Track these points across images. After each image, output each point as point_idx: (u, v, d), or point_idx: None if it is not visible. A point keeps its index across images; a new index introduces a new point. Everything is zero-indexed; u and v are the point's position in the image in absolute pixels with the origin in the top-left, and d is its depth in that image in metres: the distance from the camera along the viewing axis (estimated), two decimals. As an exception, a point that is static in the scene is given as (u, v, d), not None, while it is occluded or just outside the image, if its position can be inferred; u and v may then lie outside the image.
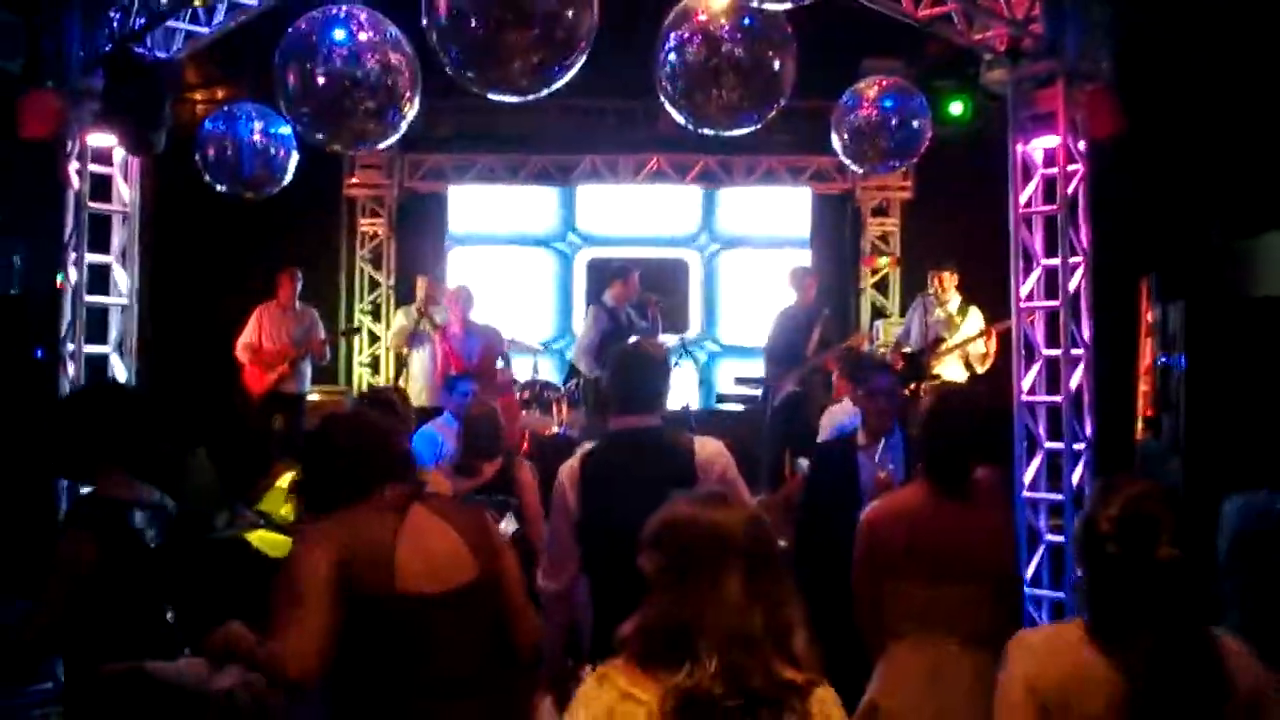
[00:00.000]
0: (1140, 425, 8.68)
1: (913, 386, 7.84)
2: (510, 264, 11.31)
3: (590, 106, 10.39)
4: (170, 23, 5.58)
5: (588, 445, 3.73)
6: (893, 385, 5.16)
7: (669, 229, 11.41)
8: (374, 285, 11.07)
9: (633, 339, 6.80)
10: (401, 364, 9.60)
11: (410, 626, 2.63)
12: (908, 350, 8.34)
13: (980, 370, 7.93)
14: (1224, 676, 2.02)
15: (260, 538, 6.23)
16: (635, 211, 11.42)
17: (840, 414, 6.22)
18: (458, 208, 11.30)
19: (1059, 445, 5.51)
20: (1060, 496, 5.48)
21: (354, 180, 10.92)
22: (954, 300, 8.31)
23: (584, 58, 4.23)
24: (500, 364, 8.37)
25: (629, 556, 2.15)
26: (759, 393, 9.18)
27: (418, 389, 8.54)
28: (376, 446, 2.85)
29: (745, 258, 11.43)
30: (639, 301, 8.66)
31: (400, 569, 2.63)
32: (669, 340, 9.24)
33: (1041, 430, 5.60)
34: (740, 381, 10.51)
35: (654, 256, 11.04)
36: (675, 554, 2.04)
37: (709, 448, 3.44)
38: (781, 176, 10.83)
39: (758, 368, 9.59)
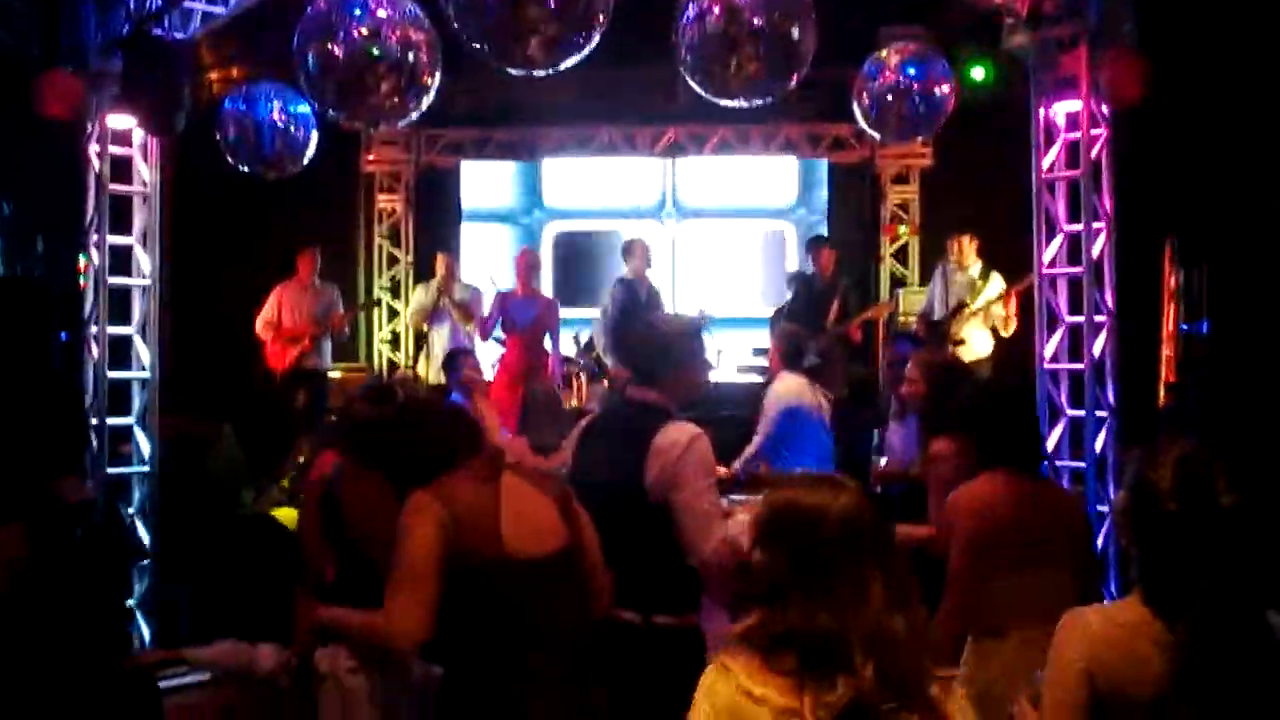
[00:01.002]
0: (1163, 391, 8.63)
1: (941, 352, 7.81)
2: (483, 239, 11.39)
3: (606, 79, 10.32)
4: (187, 3, 5.58)
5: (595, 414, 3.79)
6: (911, 354, 5.09)
7: (632, 200, 11.39)
8: (393, 261, 11.08)
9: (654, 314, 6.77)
10: (421, 341, 9.65)
11: (519, 589, 2.67)
12: (933, 319, 8.29)
13: (1005, 334, 7.88)
14: (1276, 659, 1.95)
15: (286, 514, 6.27)
16: (599, 184, 11.41)
17: (786, 393, 6.02)
18: (467, 183, 11.33)
19: (1081, 413, 5.50)
20: (1083, 464, 5.47)
21: (371, 156, 10.91)
22: (975, 266, 8.26)
23: (602, 31, 4.22)
24: (548, 341, 8.26)
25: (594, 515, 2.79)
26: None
27: (437, 367, 8.57)
28: (458, 418, 2.96)
29: (710, 228, 11.40)
30: None
31: (506, 534, 2.69)
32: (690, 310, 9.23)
33: (1064, 397, 5.59)
34: (759, 353, 10.49)
35: (619, 228, 11.00)
36: (808, 552, 1.88)
37: (668, 435, 3.17)
38: (800, 145, 10.76)
39: (754, 339, 9.63)
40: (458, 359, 6.80)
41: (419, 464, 2.79)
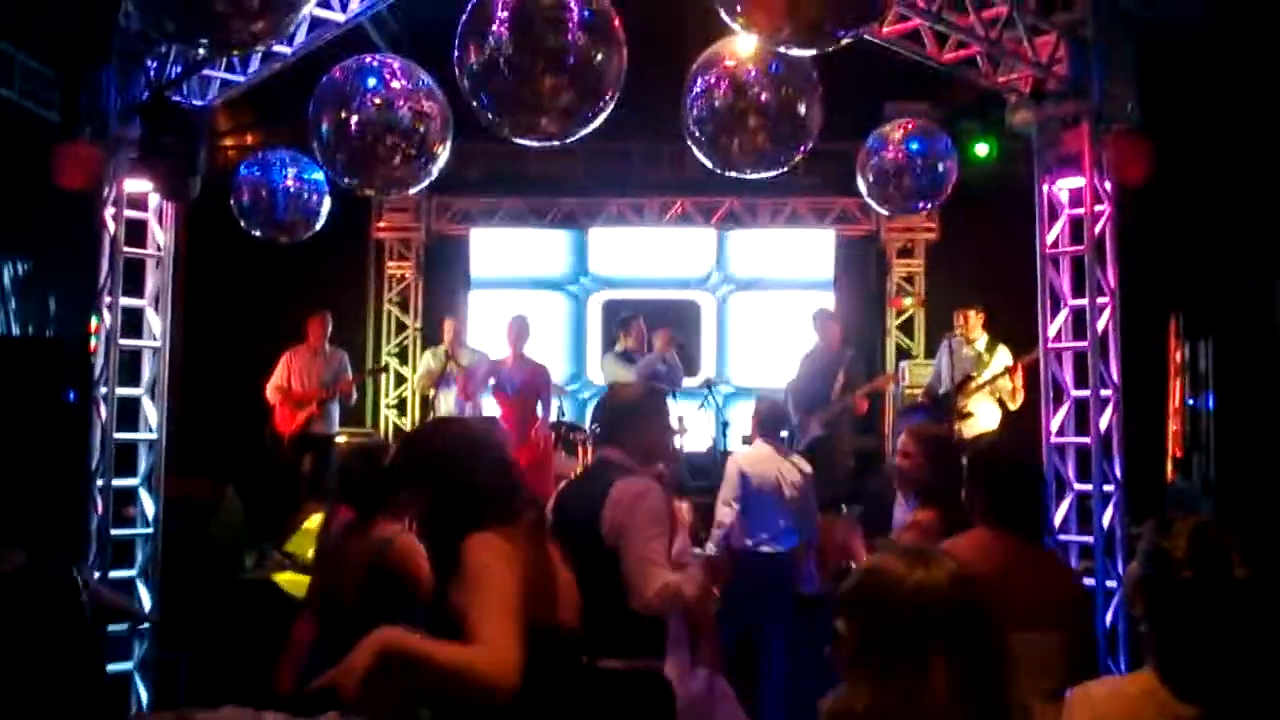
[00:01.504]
0: (1170, 466, 8.60)
1: (944, 427, 7.79)
2: (527, 307, 11.35)
3: (615, 150, 10.49)
4: (206, 71, 5.69)
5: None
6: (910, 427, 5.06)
7: (682, 270, 11.42)
8: (401, 327, 11.15)
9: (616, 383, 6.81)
10: (428, 405, 9.66)
11: (564, 659, 2.55)
12: (939, 393, 8.30)
13: (1013, 407, 7.87)
14: None
15: (287, 579, 6.25)
16: (648, 253, 11.44)
17: (743, 459, 6.04)
18: (478, 251, 11.40)
19: (1088, 487, 5.48)
20: (1090, 539, 5.44)
21: (382, 223, 11.04)
22: (981, 339, 8.28)
23: (613, 102, 4.30)
24: (539, 408, 8.27)
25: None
26: (785, 435, 9.16)
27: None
28: (511, 464, 2.77)
29: (759, 299, 11.41)
30: (653, 346, 8.78)
31: (560, 599, 2.57)
32: (691, 382, 9.27)
33: (1071, 472, 5.58)
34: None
35: (667, 298, 11.06)
36: (875, 625, 1.81)
37: (624, 490, 3.38)
38: (806, 218, 10.87)
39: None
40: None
41: (468, 512, 2.55)
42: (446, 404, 9.01)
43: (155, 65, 5.62)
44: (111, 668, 5.48)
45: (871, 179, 6.08)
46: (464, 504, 2.55)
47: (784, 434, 6.35)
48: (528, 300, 11.21)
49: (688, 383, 9.34)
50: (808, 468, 6.07)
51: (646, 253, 11.40)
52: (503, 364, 8.24)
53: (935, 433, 4.56)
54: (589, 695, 3.09)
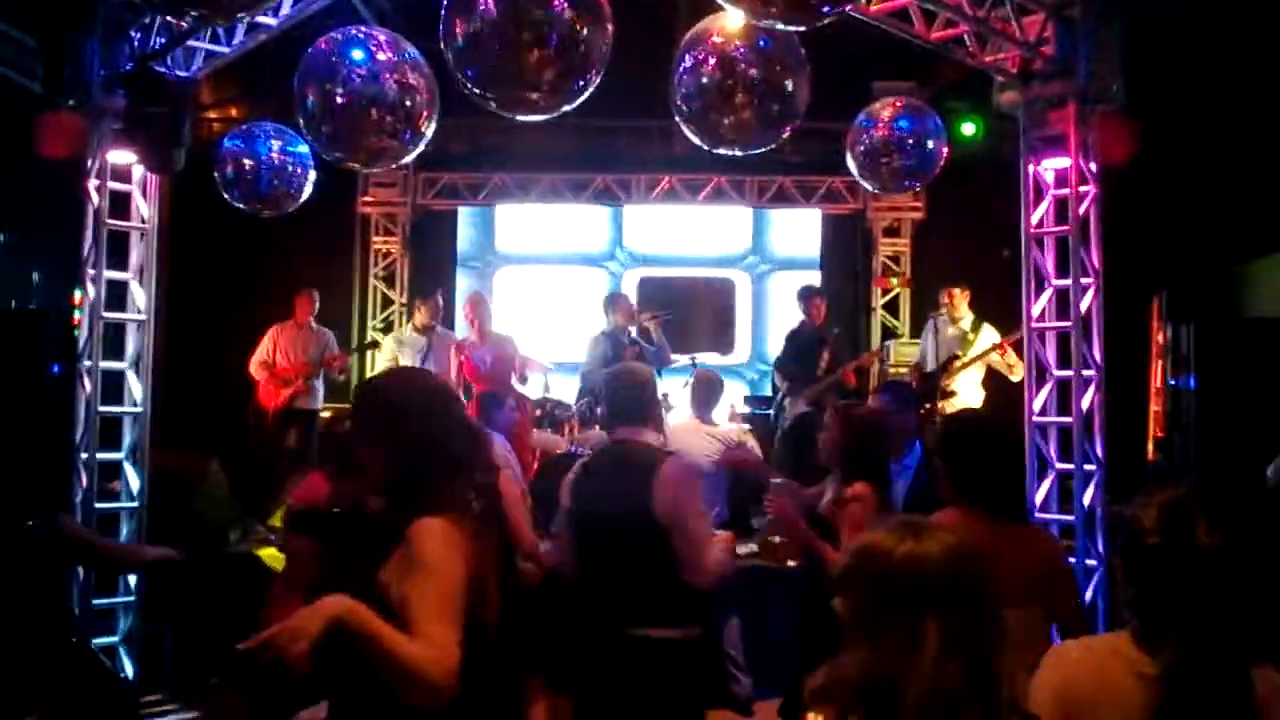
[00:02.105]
0: (1151, 446, 8.67)
1: (928, 406, 7.82)
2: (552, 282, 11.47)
3: (604, 126, 10.45)
4: (190, 42, 5.65)
5: (591, 454, 4.07)
6: (887, 404, 5.07)
7: (715, 249, 11.48)
8: (387, 302, 11.12)
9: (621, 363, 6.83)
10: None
11: (491, 663, 2.36)
12: (925, 371, 8.34)
13: (1015, 379, 7.87)
14: (1251, 701, 1.98)
15: (271, 554, 6.25)
16: (686, 232, 11.51)
17: (676, 432, 5.88)
18: (503, 227, 11.44)
19: (1070, 466, 5.53)
20: (1071, 518, 5.49)
21: (368, 198, 10.99)
22: (967, 318, 8.31)
23: (599, 77, 4.28)
24: (514, 378, 8.26)
25: (599, 554, 2.95)
26: (770, 413, 9.21)
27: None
28: (479, 434, 2.60)
29: (796, 279, 11.43)
30: (640, 325, 8.72)
31: (491, 598, 2.39)
32: (679, 359, 9.27)
33: (1053, 451, 5.62)
34: (750, 400, 10.52)
35: (703, 275, 11.18)
36: (867, 598, 1.86)
37: (673, 470, 3.61)
38: (793, 196, 10.87)
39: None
40: (504, 398, 6.39)
41: (443, 470, 2.37)
42: None
43: (139, 36, 5.58)
44: (97, 641, 5.49)
45: (861, 157, 6.07)
46: (426, 469, 2.35)
47: (721, 406, 6.34)
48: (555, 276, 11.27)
49: (677, 359, 9.33)
50: (734, 439, 6.07)
51: (684, 231, 11.47)
52: (468, 345, 8.20)
53: (855, 410, 4.64)
54: (645, 664, 3.40)
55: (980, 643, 1.81)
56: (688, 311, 10.93)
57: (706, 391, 6.29)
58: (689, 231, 11.46)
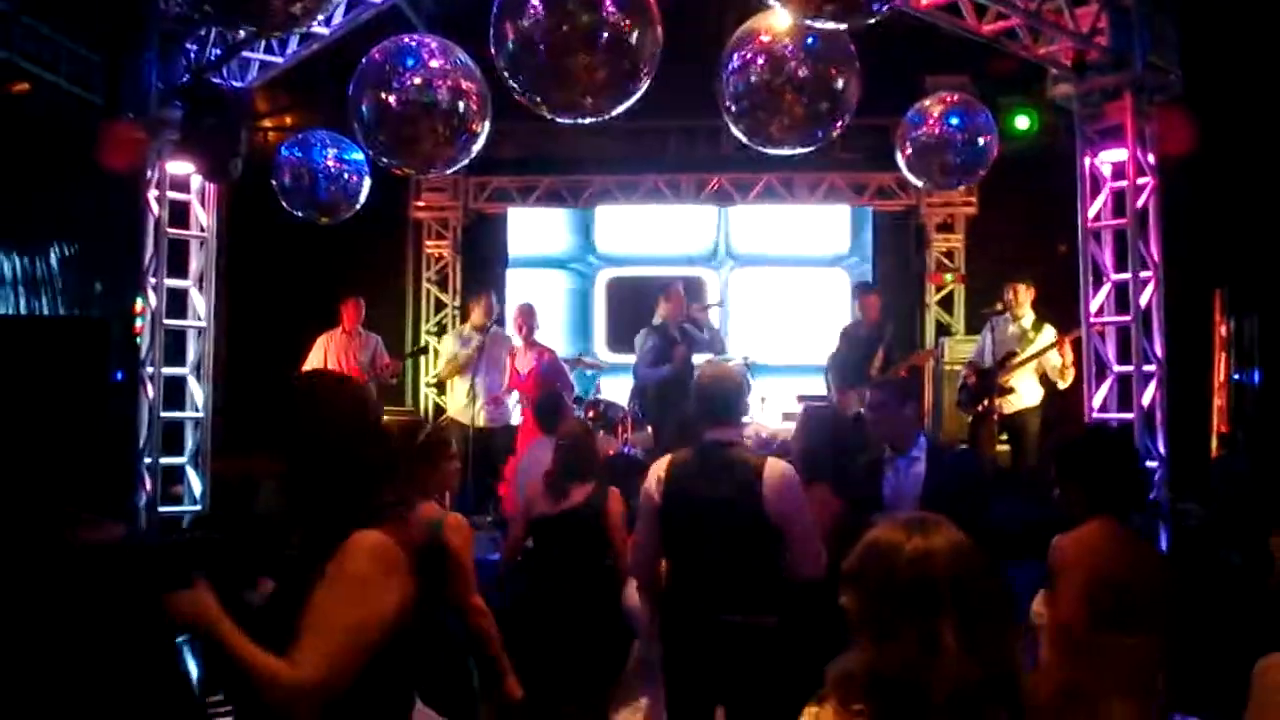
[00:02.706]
0: (1215, 441, 8.50)
1: (985, 403, 7.74)
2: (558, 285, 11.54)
3: (650, 127, 10.46)
4: (245, 53, 5.75)
5: (676, 454, 4.00)
6: (882, 400, 5.00)
7: (685, 248, 11.41)
8: (439, 306, 11.21)
9: (709, 358, 6.82)
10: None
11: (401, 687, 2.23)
12: (983, 368, 8.23)
13: (1063, 384, 7.76)
14: None
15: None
16: (652, 232, 11.43)
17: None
18: (518, 229, 11.50)
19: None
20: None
21: (420, 203, 11.09)
22: (1029, 315, 8.18)
23: (649, 79, 4.29)
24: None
25: (698, 549, 2.85)
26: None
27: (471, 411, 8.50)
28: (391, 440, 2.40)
29: (762, 276, 11.40)
30: (691, 315, 8.68)
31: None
32: (735, 356, 9.24)
33: (1114, 448, 5.53)
34: (804, 399, 10.46)
35: (672, 275, 10.90)
36: (877, 594, 1.82)
37: (776, 469, 3.70)
38: (844, 193, 10.79)
39: (799, 386, 9.60)
40: (562, 403, 6.34)
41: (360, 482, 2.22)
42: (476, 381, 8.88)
43: (195, 48, 5.69)
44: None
45: (911, 154, 6.01)
46: (346, 479, 2.21)
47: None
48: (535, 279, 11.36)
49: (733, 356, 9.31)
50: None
51: (655, 231, 11.42)
52: (515, 352, 8.28)
53: (818, 410, 4.65)
54: (752, 650, 3.56)
55: (997, 639, 1.79)
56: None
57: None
58: (657, 231, 11.40)
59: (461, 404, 8.66)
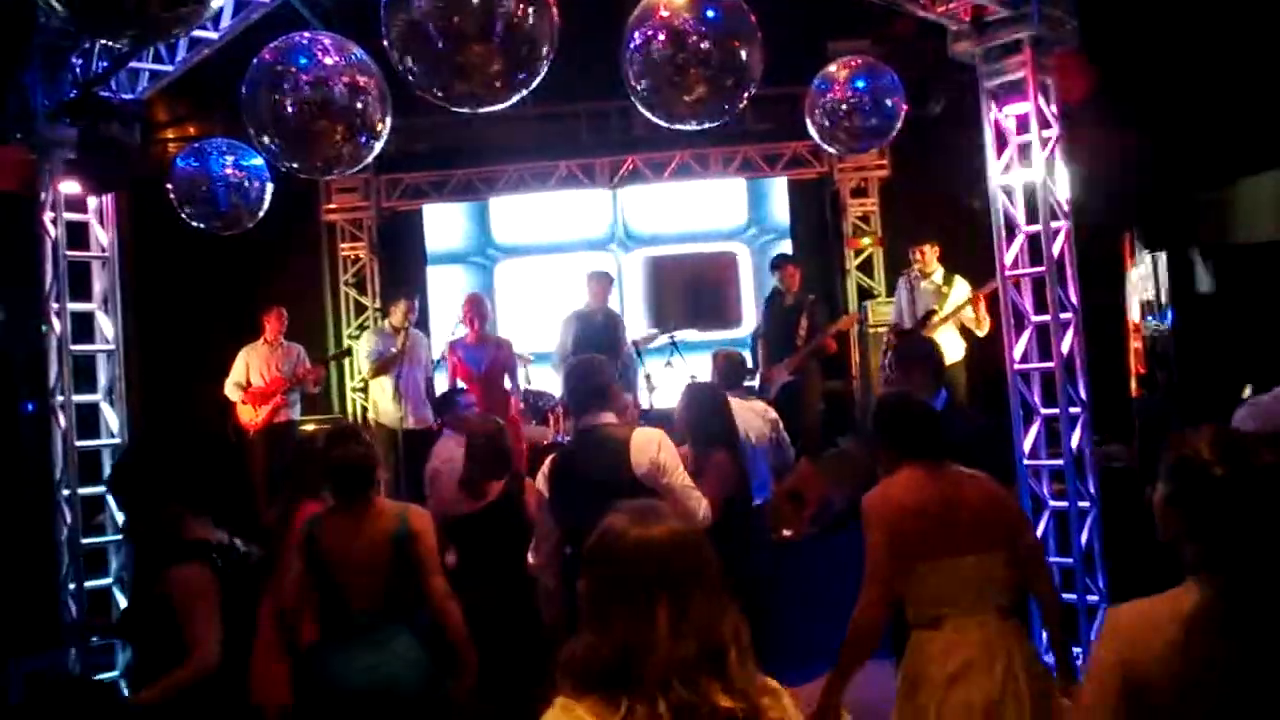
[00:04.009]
0: (1134, 383, 8.70)
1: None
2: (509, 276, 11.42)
3: (562, 112, 10.38)
4: (133, 64, 5.56)
5: (561, 448, 4.31)
6: (890, 374, 5.18)
7: (583, 233, 11.36)
8: (360, 309, 11.04)
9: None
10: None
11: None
12: (903, 329, 8.32)
13: (981, 333, 7.90)
14: None
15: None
16: (548, 219, 11.34)
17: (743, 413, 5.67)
18: (430, 226, 11.35)
19: (1055, 411, 5.53)
20: (1060, 462, 5.49)
21: (331, 205, 10.89)
22: (938, 272, 8.30)
23: (548, 64, 4.22)
24: (507, 381, 8.14)
25: (591, 527, 2.32)
26: (754, 384, 9.18)
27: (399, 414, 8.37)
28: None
29: (660, 254, 11.37)
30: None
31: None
32: (660, 338, 9.22)
33: (1036, 397, 5.61)
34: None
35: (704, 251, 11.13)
36: (600, 580, 1.98)
37: (640, 437, 3.96)
38: (758, 165, 10.82)
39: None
40: (457, 397, 6.42)
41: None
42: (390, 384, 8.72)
43: (81, 62, 5.48)
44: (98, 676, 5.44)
45: (820, 120, 6.03)
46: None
47: (748, 383, 6.31)
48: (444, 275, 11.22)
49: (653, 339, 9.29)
50: (772, 414, 6.03)
51: (552, 218, 11.34)
52: (462, 343, 8.06)
53: (698, 386, 5.17)
54: None
55: (708, 618, 1.92)
56: (691, 288, 11.03)
57: (736, 369, 6.23)
58: (554, 218, 11.32)
59: (388, 407, 8.55)
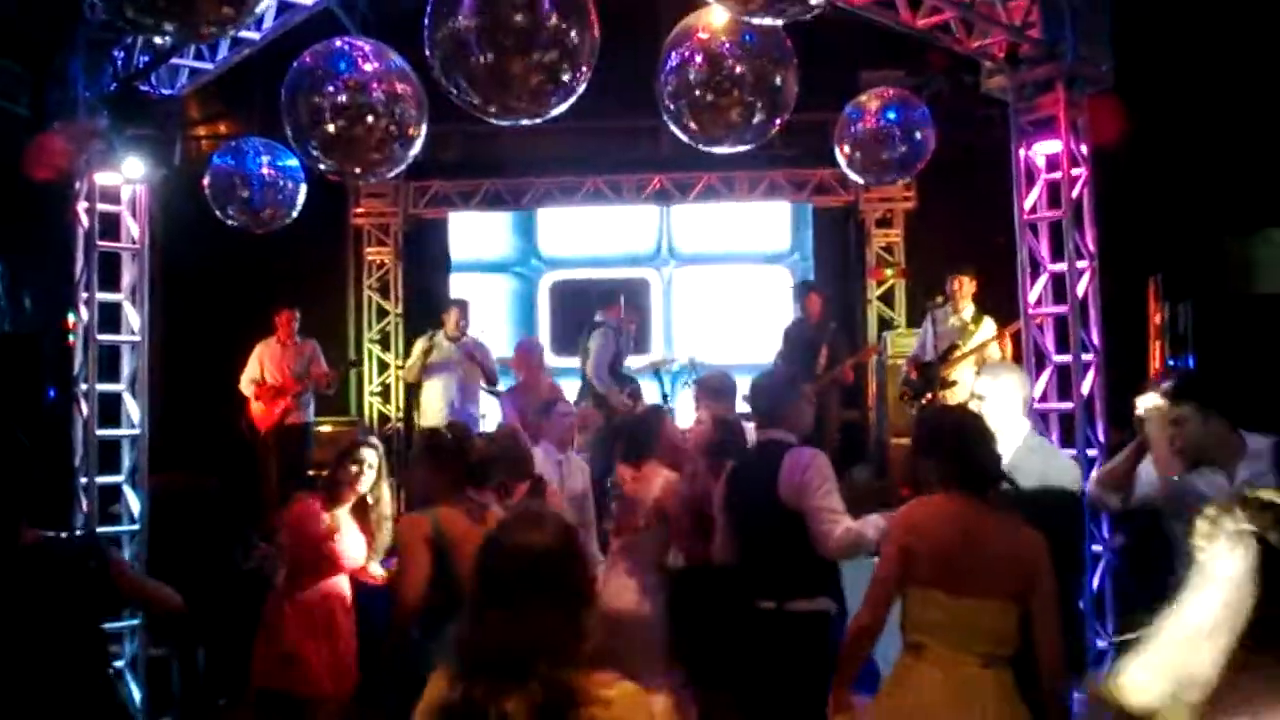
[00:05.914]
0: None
1: (929, 397, 7.81)
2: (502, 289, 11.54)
3: (591, 128, 10.43)
4: (174, 60, 5.63)
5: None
6: None
7: (629, 247, 11.49)
8: (382, 313, 11.09)
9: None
10: (413, 392, 9.66)
11: None
12: (924, 361, 8.31)
13: None
14: None
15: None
16: (594, 233, 11.49)
17: None
18: (461, 234, 11.42)
19: (1072, 451, 5.50)
20: (1077, 502, 5.46)
21: (359, 209, 10.97)
22: (969, 308, 8.27)
23: (587, 80, 4.26)
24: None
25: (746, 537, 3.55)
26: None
27: (430, 419, 8.62)
28: None
29: (704, 275, 11.49)
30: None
31: None
32: (640, 361, 9.27)
33: (1055, 438, 5.59)
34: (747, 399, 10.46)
35: (616, 277, 11.07)
36: (482, 575, 2.23)
37: (791, 458, 4.17)
38: (785, 190, 10.84)
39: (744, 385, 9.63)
40: (557, 407, 6.29)
41: None
42: (434, 390, 8.89)
43: (123, 56, 5.55)
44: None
45: (849, 149, 6.05)
46: None
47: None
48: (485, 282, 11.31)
49: (639, 363, 9.32)
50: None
51: (598, 232, 11.47)
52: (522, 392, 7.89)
53: (724, 416, 5.24)
54: (777, 634, 3.94)
55: (575, 615, 2.16)
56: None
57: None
58: (600, 232, 11.50)
59: (434, 409, 8.75)
